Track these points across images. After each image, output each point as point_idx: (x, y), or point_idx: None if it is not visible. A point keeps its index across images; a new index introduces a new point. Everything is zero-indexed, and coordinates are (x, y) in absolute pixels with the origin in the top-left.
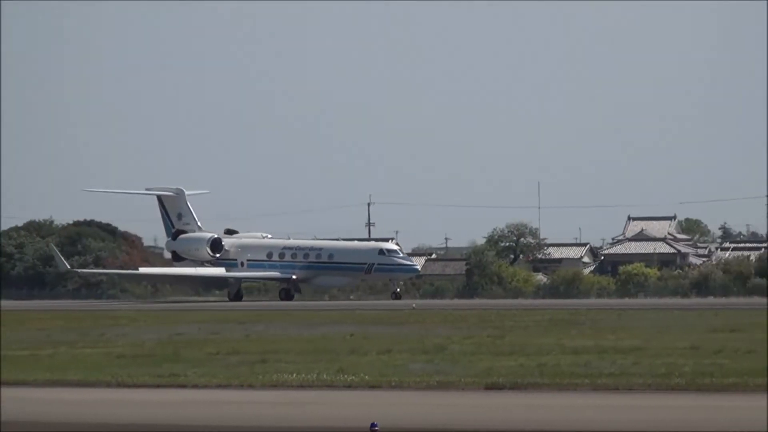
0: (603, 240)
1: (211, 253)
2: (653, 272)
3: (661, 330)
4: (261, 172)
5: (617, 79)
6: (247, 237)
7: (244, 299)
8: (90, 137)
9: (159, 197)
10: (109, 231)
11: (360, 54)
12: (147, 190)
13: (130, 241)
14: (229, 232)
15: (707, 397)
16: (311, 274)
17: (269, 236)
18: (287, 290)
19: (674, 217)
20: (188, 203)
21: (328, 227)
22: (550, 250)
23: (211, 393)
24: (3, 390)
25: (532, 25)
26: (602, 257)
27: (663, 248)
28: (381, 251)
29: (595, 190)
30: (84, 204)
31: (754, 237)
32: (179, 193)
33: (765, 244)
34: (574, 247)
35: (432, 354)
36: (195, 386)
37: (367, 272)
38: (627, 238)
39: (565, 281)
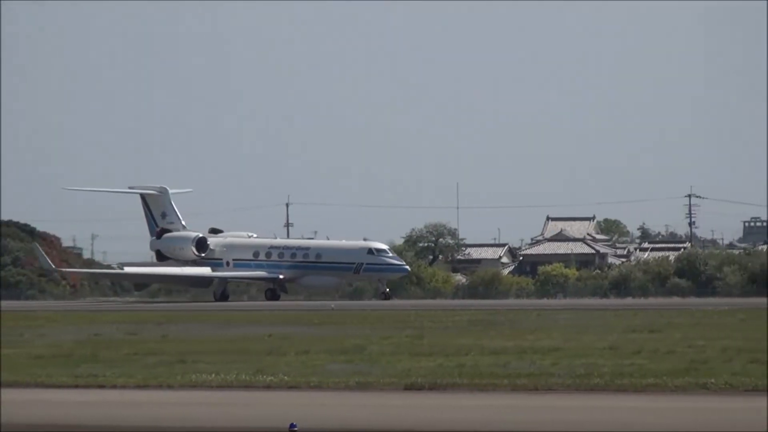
0: (522, 240)
1: (197, 253)
2: (572, 272)
3: (580, 330)
4: (173, 172)
5: (534, 79)
6: (233, 236)
7: (230, 299)
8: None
9: (142, 196)
10: (27, 231)
11: (282, 54)
12: (130, 188)
13: (48, 241)
14: (214, 231)
15: (626, 398)
16: (299, 274)
17: (254, 235)
18: (273, 290)
19: (593, 218)
20: (172, 202)
21: (246, 228)
22: (469, 250)
23: (130, 393)
24: None
25: (446, 23)
26: (521, 257)
27: (582, 249)
28: (370, 251)
29: (514, 190)
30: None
31: (672, 237)
32: (163, 192)
33: (684, 245)
34: (492, 248)
35: (351, 354)
36: (113, 387)
37: (356, 272)
38: (546, 239)
39: (484, 282)
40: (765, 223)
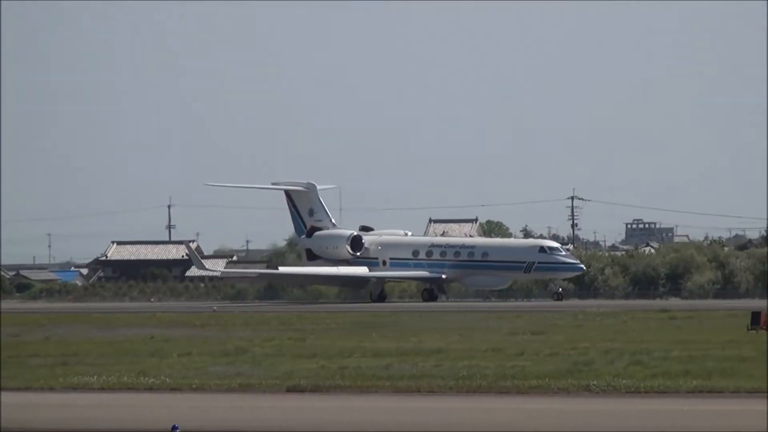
0: None
1: (351, 252)
2: None
3: (464, 332)
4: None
5: (419, 79)
6: (388, 234)
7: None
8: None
9: (288, 192)
10: None
11: (164, 53)
12: (273, 184)
13: None
14: (365, 228)
15: (509, 399)
16: (463, 274)
17: (410, 233)
18: (431, 291)
19: (476, 220)
20: (320, 198)
21: (126, 230)
22: None
23: (12, 396)
24: None
25: (335, 24)
26: None
27: None
28: (542, 248)
29: (396, 191)
30: None
31: (555, 239)
32: (310, 188)
33: (566, 246)
34: None
35: (233, 356)
36: None
37: (527, 271)
38: None
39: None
40: (647, 225)
